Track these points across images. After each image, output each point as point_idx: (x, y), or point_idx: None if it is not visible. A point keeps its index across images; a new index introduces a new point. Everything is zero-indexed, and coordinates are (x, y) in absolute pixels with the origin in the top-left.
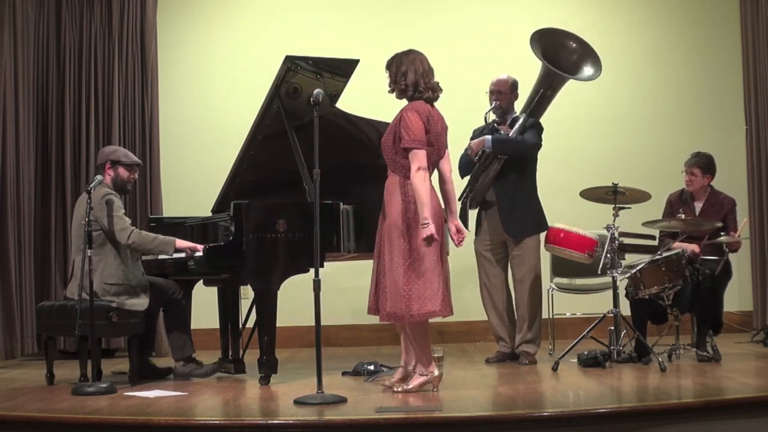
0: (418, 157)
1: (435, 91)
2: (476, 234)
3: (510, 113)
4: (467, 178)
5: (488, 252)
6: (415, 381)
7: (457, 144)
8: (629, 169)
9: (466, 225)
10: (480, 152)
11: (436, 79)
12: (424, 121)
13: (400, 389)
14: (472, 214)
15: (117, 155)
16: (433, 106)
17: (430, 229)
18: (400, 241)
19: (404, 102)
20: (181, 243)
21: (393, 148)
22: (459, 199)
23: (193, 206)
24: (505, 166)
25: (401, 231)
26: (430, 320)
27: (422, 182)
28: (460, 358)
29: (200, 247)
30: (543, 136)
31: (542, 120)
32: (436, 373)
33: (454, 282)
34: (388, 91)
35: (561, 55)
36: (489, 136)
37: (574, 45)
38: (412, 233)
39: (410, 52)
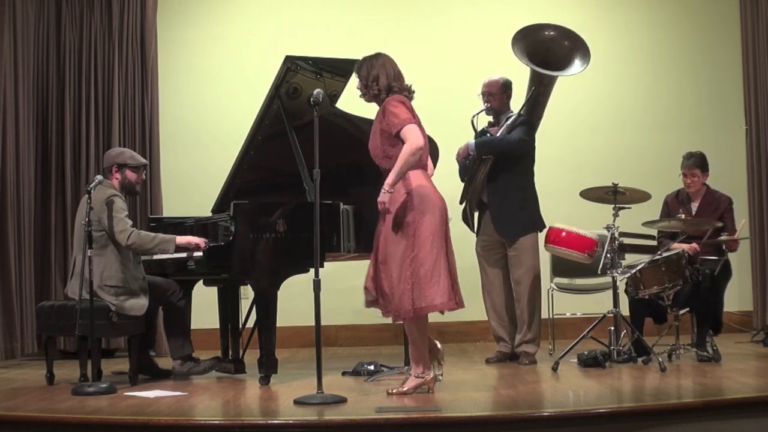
0: (413, 132)
1: (409, 92)
2: (477, 235)
3: (504, 114)
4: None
5: (486, 252)
6: (410, 383)
7: (456, 148)
8: (629, 169)
9: (471, 227)
10: (467, 156)
11: (431, 79)
12: (408, 107)
13: (394, 391)
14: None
15: (123, 158)
16: None
17: (386, 198)
18: (404, 236)
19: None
20: (181, 239)
21: (382, 149)
22: (460, 203)
23: (193, 206)
24: (495, 167)
25: (407, 224)
26: (436, 313)
27: (411, 155)
28: (461, 358)
29: (201, 241)
30: (544, 136)
31: (543, 121)
32: (431, 374)
33: None
34: (360, 96)
35: (552, 49)
36: (472, 140)
37: (552, 33)
38: (417, 225)
39: (379, 56)
